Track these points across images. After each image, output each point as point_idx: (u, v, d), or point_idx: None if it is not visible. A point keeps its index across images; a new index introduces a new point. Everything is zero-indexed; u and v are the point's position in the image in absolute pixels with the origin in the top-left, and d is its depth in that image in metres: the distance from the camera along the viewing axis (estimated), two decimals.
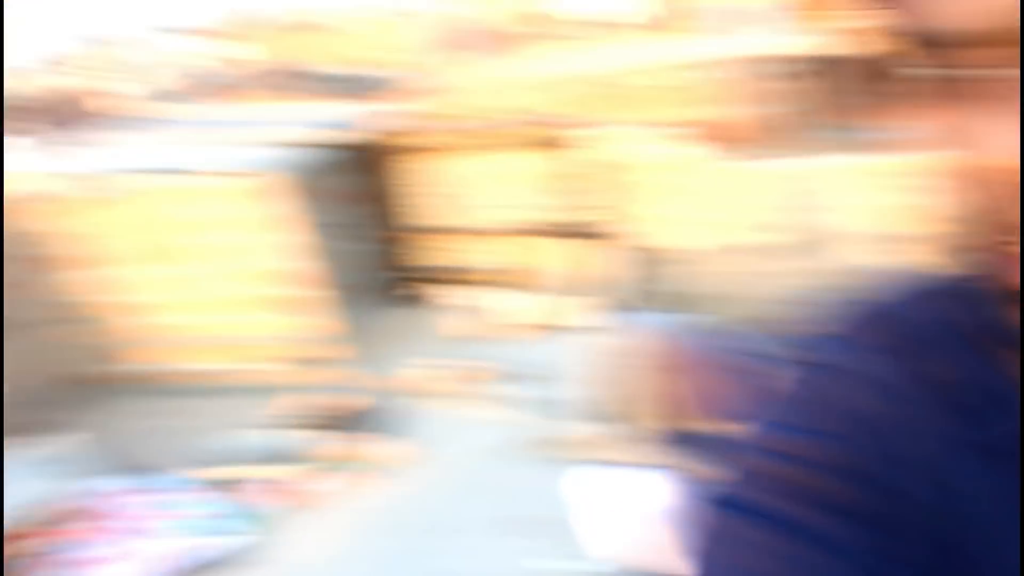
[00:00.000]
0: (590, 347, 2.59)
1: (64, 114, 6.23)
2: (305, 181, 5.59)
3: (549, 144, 6.40)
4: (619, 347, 2.36)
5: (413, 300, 6.60)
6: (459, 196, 6.68)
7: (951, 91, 0.38)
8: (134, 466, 4.79)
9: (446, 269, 6.66)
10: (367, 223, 6.75)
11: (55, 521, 4.24)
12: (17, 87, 6.46)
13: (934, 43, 0.36)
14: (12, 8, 6.43)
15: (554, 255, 6.47)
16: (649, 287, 6.28)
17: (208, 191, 5.22)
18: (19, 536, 4.05)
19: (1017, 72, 0.34)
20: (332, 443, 4.86)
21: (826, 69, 5.18)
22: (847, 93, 5.12)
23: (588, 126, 6.33)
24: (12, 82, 6.40)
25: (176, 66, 7.94)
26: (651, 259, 6.81)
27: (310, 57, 7.65)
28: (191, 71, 7.69)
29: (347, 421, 5.01)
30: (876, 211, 5.17)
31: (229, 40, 8.24)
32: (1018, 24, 0.33)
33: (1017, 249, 0.37)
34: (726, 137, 5.51)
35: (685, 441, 2.33)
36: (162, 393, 5.83)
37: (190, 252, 5.45)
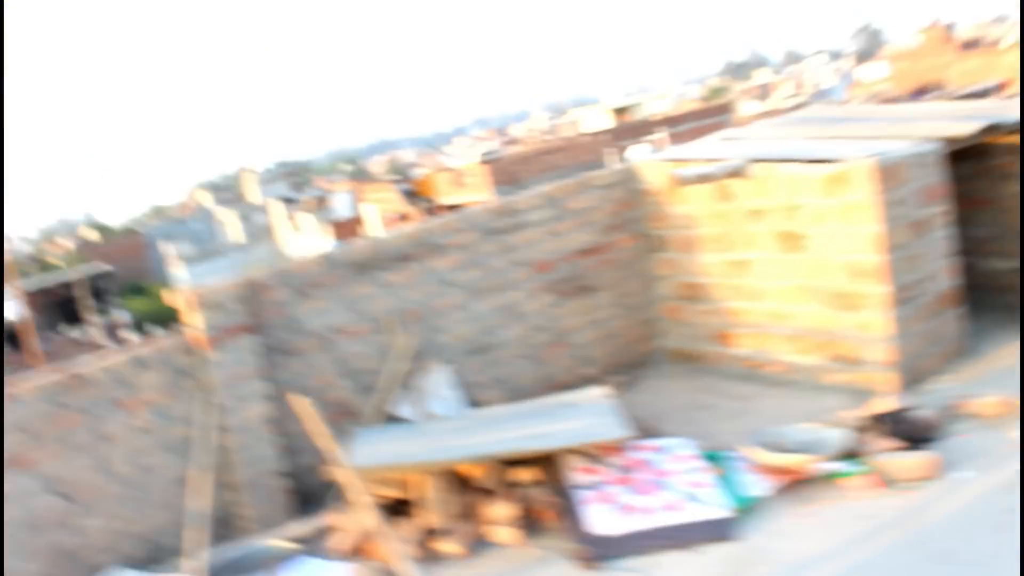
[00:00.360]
0: None
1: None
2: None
3: None
4: None
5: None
6: None
7: None
8: (678, 434, 5.03)
9: None
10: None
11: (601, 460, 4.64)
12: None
13: None
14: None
15: None
16: None
17: (827, 180, 5.29)
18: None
19: None
20: (869, 447, 4.51)
21: None
22: None
23: None
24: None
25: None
26: None
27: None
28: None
29: (897, 427, 4.59)
30: None
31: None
32: None
33: None
34: None
35: None
36: (737, 377, 6.04)
37: (794, 240, 5.57)
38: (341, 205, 37.64)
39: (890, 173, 5.05)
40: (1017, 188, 6.41)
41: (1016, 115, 5.94)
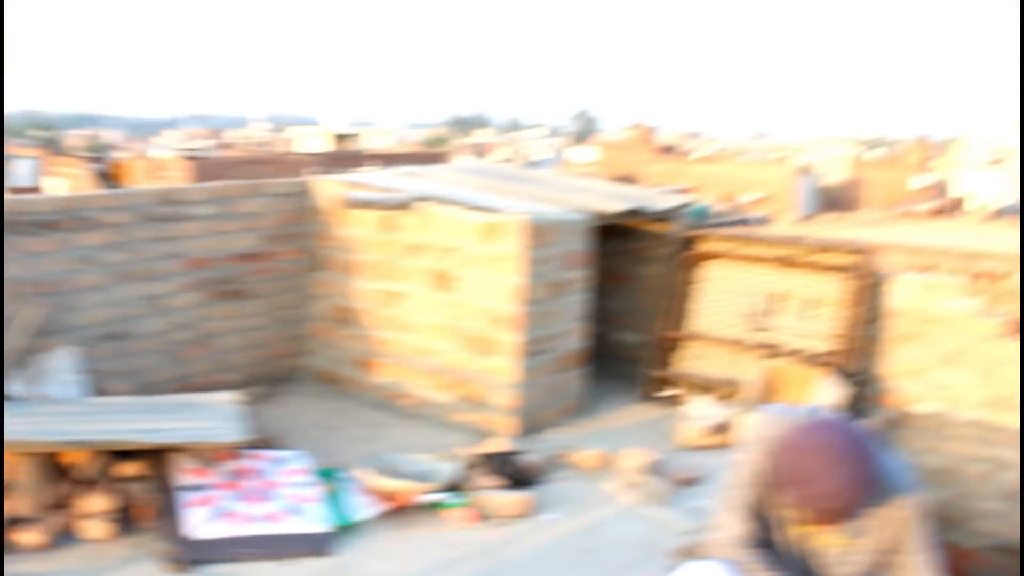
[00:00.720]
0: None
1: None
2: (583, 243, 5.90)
3: (845, 270, 6.19)
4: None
5: (645, 391, 6.49)
6: (734, 305, 6.59)
7: None
8: (300, 451, 4.97)
9: (688, 375, 6.47)
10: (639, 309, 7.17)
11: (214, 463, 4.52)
12: None
13: None
14: None
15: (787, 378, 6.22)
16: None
17: (482, 228, 5.59)
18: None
19: None
20: (475, 482, 4.76)
21: None
22: None
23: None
24: None
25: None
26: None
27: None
28: None
29: (503, 468, 4.87)
30: None
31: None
32: None
33: None
34: None
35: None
36: (373, 405, 6.15)
37: (445, 280, 5.80)
38: (22, 172, 34.42)
39: (539, 232, 5.43)
40: (652, 270, 7.13)
41: (661, 204, 6.63)
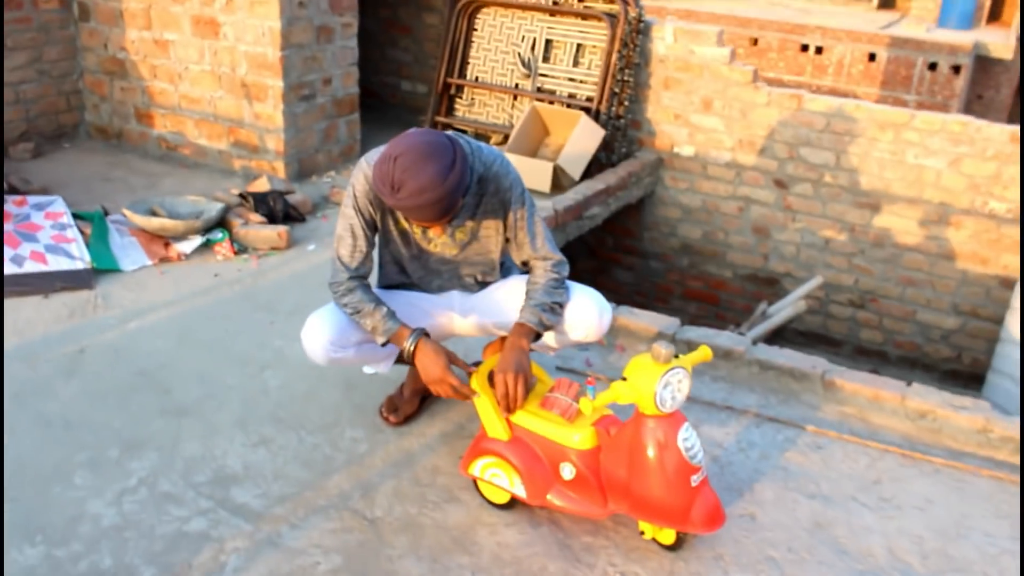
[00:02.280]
0: None
1: None
2: None
3: (610, 17, 6.35)
4: None
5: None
6: (508, 53, 6.77)
7: None
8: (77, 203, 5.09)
9: (466, 121, 6.87)
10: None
11: None
12: None
13: None
14: None
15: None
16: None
17: None
18: None
19: None
20: (240, 220, 4.96)
21: None
22: None
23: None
24: None
25: None
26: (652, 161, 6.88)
27: None
28: None
29: (272, 205, 5.12)
30: None
31: None
32: None
33: None
34: None
35: None
36: (154, 157, 6.25)
37: (210, 26, 5.75)
38: None
39: None
40: (433, 20, 7.21)
41: None
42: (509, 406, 2.72)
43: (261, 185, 5.28)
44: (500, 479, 2.76)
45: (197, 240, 4.75)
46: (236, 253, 4.72)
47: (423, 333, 2.80)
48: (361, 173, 2.81)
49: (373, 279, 3.01)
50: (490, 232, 2.96)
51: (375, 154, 2.82)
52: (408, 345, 2.77)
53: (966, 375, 6.23)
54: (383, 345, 2.85)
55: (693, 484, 2.51)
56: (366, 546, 2.69)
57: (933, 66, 11.56)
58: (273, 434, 3.22)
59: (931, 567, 2.75)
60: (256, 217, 4.97)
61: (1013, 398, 4.81)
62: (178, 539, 2.68)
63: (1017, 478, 3.20)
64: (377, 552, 2.67)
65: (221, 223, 4.92)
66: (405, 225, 2.91)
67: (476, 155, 2.81)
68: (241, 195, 5.13)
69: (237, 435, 3.20)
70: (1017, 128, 5.68)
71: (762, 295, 6.69)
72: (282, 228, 4.83)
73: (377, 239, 2.98)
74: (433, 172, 2.45)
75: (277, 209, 5.09)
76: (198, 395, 3.45)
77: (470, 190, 2.78)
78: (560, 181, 5.88)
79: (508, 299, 3.02)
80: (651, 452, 2.48)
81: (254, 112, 5.66)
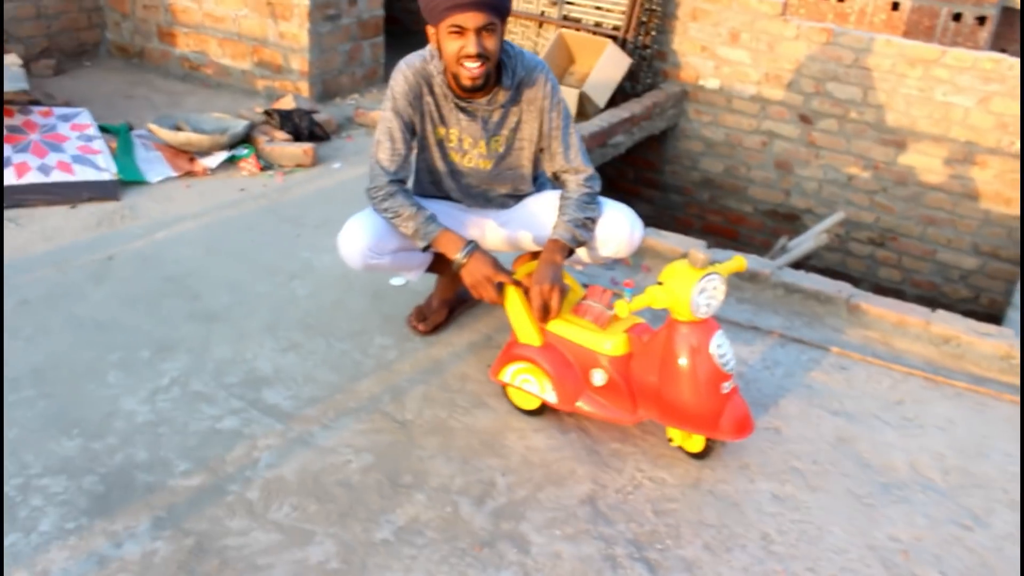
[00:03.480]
0: None
1: None
2: None
3: None
4: None
5: None
6: None
7: None
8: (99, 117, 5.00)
9: None
10: None
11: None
12: None
13: None
14: None
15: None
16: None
17: None
18: None
19: None
20: (265, 137, 4.95)
21: None
22: None
23: None
24: None
25: None
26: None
27: None
28: None
29: (297, 123, 5.10)
30: None
31: None
32: None
33: None
34: None
35: None
36: (176, 76, 6.22)
37: None
38: None
39: None
40: None
41: None
42: (545, 318, 2.73)
43: (286, 103, 5.26)
44: (531, 385, 2.79)
45: (222, 155, 4.75)
46: (262, 169, 4.72)
47: (476, 246, 2.81)
48: (400, 75, 2.81)
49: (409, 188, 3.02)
50: (524, 143, 2.96)
51: (414, 56, 2.81)
52: (460, 256, 2.78)
53: (983, 315, 6.23)
54: (424, 250, 2.87)
55: (724, 391, 2.53)
56: (397, 446, 2.73)
57: (957, 16, 11.39)
58: (302, 340, 3.25)
59: (952, 482, 2.78)
60: (281, 134, 4.96)
61: None
62: (211, 436, 2.73)
63: None
64: (408, 452, 2.71)
65: (246, 139, 4.92)
66: (442, 133, 2.91)
67: (518, 59, 2.80)
68: (266, 112, 5.11)
69: (267, 340, 3.23)
70: None
71: (782, 231, 6.67)
72: (308, 145, 4.82)
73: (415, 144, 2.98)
74: None
75: (303, 127, 5.08)
76: (227, 302, 3.48)
77: (513, 81, 2.80)
78: (585, 108, 5.84)
79: (542, 212, 3.02)
80: (684, 358, 2.50)
81: (279, 31, 5.62)
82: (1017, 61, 5.66)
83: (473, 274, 2.76)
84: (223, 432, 2.75)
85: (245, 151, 4.80)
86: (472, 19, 2.57)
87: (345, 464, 2.64)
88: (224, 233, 4.06)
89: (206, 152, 4.74)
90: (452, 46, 2.63)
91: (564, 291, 2.77)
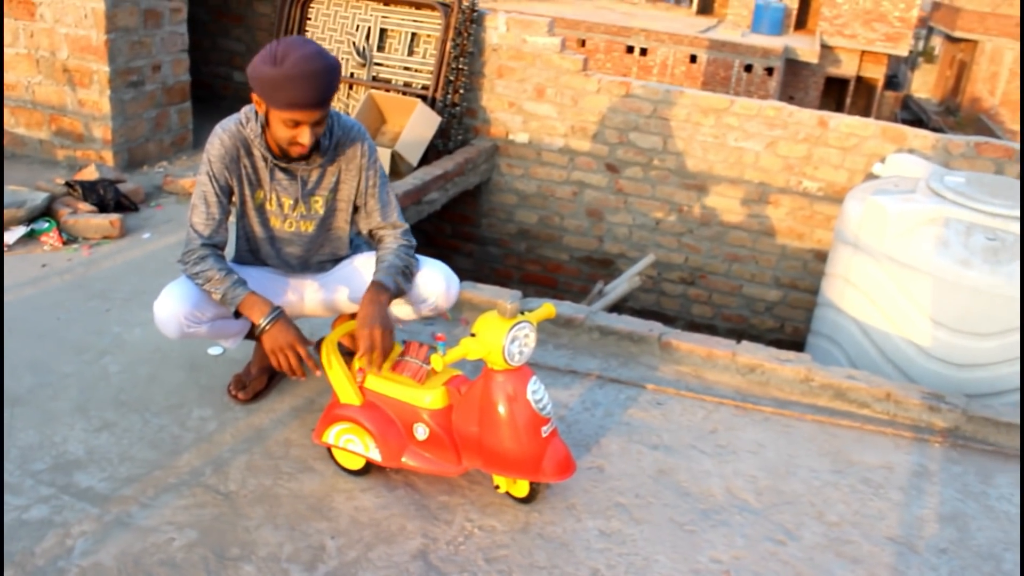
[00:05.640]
0: None
1: None
2: None
3: (444, 7, 6.10)
4: None
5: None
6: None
7: None
8: None
9: None
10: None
11: None
12: None
13: None
14: None
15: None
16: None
17: None
18: None
19: None
20: (68, 209, 4.74)
21: None
22: None
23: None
24: None
25: None
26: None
27: None
28: None
29: (102, 194, 4.92)
30: None
31: None
32: None
33: None
34: None
35: None
36: None
37: (25, 6, 5.46)
38: None
39: None
40: (265, 9, 7.10)
41: None
42: (374, 361, 2.74)
43: (89, 173, 5.08)
44: (355, 444, 2.78)
45: (20, 230, 4.53)
46: (65, 243, 4.53)
47: (281, 312, 2.78)
48: (216, 139, 2.80)
49: (228, 254, 2.98)
50: (342, 204, 2.99)
51: (229, 120, 2.81)
52: (264, 323, 2.74)
53: (788, 343, 6.65)
54: (236, 316, 2.82)
55: (544, 435, 2.61)
56: (222, 519, 2.66)
57: (749, 68, 12.24)
58: (116, 418, 3.13)
59: (765, 501, 2.96)
60: (85, 206, 4.78)
61: (830, 356, 5.18)
62: (17, 527, 2.57)
63: (836, 419, 3.48)
64: (234, 524, 2.65)
65: (47, 212, 4.71)
66: (261, 196, 2.90)
67: (335, 119, 2.84)
68: (68, 184, 4.92)
69: (77, 421, 3.09)
70: (823, 113, 6.12)
71: (598, 276, 6.93)
72: (115, 216, 4.66)
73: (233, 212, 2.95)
74: (317, 47, 2.58)
75: (108, 198, 4.91)
76: (30, 384, 3.30)
77: (331, 141, 2.84)
78: (398, 167, 5.92)
79: (362, 269, 3.05)
80: (502, 405, 2.56)
81: (78, 99, 5.43)
82: (796, 108, 6.16)
83: (276, 339, 2.73)
84: (30, 523, 2.60)
85: (46, 225, 4.59)
86: (310, 116, 2.63)
87: (168, 543, 2.55)
88: (25, 312, 3.86)
89: (2, 227, 4.51)
90: (285, 132, 2.68)
91: (391, 330, 2.78)
